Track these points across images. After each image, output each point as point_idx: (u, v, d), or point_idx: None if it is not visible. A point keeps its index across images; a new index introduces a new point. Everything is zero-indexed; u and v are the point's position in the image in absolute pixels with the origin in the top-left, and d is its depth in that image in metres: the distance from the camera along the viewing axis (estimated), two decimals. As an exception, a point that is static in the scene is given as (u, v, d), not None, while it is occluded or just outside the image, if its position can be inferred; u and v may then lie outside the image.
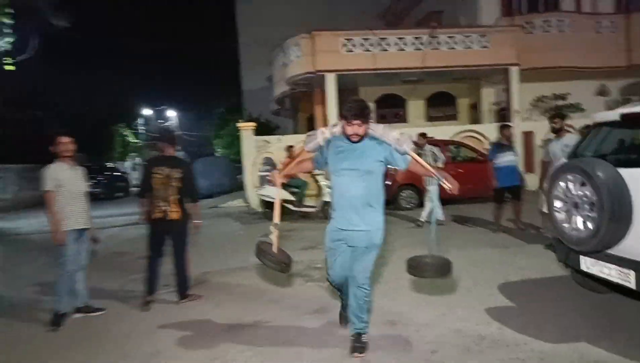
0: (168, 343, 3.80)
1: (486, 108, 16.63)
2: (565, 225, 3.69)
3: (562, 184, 3.69)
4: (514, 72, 14.62)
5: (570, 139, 5.93)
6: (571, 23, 15.46)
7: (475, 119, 16.93)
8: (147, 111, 39.53)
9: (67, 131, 4.61)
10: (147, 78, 34.45)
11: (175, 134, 5.28)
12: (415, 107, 17.31)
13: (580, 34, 15.44)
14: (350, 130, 3.15)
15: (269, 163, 13.00)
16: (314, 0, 24.28)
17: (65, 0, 13.85)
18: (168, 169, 4.65)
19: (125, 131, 33.43)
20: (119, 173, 26.43)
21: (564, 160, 4.87)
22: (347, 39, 14.06)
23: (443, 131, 14.22)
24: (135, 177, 38.63)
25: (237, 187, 18.34)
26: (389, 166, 3.32)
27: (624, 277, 3.40)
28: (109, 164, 27.91)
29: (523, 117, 15.48)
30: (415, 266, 3.36)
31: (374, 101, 16.85)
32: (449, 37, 14.41)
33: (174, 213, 4.61)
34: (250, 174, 13.17)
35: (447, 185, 3.16)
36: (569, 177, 3.61)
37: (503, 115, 15.69)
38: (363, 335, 3.37)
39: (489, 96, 16.67)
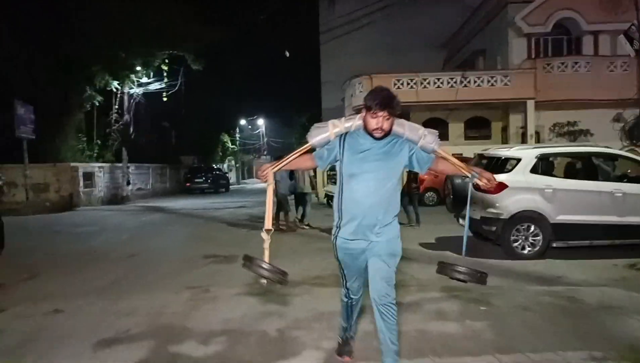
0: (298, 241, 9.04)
1: (514, 131, 20.52)
2: (448, 201, 8.35)
3: (447, 184, 8.36)
4: (530, 104, 18.56)
5: None
6: (586, 64, 18.97)
7: (505, 139, 20.83)
8: (242, 121, 46.76)
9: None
10: (245, 93, 41.38)
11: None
12: (456, 129, 21.60)
13: (593, 73, 18.90)
14: (374, 123, 2.73)
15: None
16: (386, 33, 28.77)
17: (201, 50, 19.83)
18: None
19: (225, 137, 40.34)
20: (222, 173, 32.99)
21: None
22: (397, 79, 18.83)
23: (472, 149, 18.52)
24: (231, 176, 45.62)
25: (312, 186, 23.68)
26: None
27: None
28: (215, 166, 34.69)
29: (547, 140, 19.34)
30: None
31: (421, 123, 21.31)
32: (477, 77, 18.68)
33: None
34: (321, 175, 18.31)
35: (482, 181, 2.87)
36: (449, 181, 8.29)
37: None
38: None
39: (517, 121, 20.54)
